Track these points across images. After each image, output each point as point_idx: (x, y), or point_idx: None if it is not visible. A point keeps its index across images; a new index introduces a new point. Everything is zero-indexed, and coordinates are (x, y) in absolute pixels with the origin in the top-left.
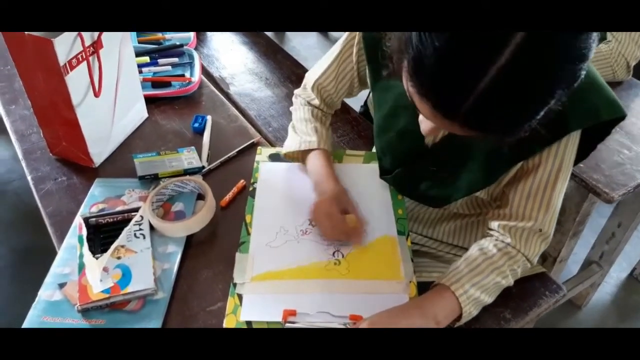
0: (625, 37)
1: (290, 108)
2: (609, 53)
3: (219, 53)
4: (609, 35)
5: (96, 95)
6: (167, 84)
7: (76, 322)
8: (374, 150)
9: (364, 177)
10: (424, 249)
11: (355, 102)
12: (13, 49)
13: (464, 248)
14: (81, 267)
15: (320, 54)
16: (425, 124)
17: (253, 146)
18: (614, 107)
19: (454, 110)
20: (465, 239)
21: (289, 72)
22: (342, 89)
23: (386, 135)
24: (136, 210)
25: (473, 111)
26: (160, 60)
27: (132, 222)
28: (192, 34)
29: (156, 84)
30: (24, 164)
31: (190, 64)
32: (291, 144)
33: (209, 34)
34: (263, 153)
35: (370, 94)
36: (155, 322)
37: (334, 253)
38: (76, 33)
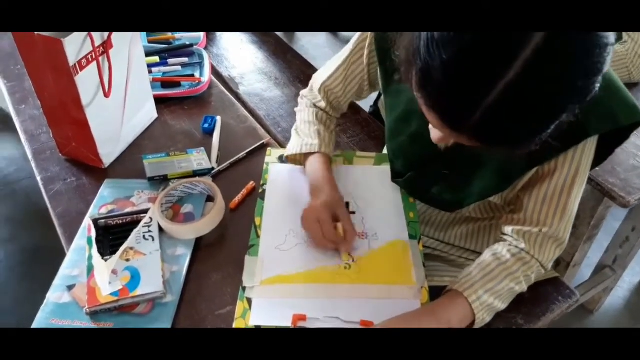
0: None
1: (295, 109)
2: (625, 54)
3: (228, 52)
4: (625, 35)
5: (106, 95)
6: (177, 84)
7: (84, 324)
8: (384, 151)
9: (375, 180)
10: (435, 253)
11: (365, 103)
12: (23, 49)
13: (476, 252)
14: (90, 269)
15: (330, 53)
16: (434, 132)
17: (263, 147)
18: (633, 112)
19: (461, 124)
20: (477, 243)
21: (299, 72)
22: (350, 91)
23: (398, 139)
24: (145, 211)
25: (481, 125)
26: (170, 60)
27: (141, 224)
28: (201, 34)
29: (166, 84)
30: (33, 164)
31: (200, 64)
32: (293, 146)
33: (218, 33)
34: (273, 154)
35: (382, 96)
36: (164, 326)
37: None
38: (86, 33)
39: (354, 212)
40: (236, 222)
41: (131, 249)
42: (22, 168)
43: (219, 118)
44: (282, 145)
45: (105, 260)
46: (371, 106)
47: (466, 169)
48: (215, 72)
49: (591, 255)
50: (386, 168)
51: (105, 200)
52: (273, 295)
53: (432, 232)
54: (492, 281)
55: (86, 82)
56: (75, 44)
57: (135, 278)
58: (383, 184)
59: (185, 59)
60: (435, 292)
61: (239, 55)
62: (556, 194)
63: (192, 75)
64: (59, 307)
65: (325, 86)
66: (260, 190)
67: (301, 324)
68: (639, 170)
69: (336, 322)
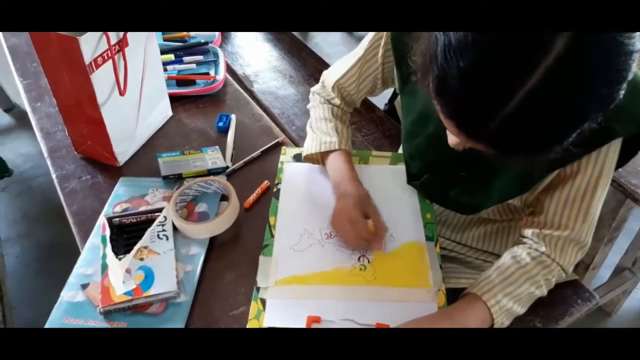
0: None
1: (308, 106)
2: None
3: (243, 50)
4: None
5: (121, 93)
6: (192, 82)
7: (98, 324)
8: (400, 151)
9: (391, 180)
10: (452, 254)
11: (380, 101)
12: (39, 47)
13: (494, 254)
14: (104, 268)
15: (344, 50)
16: (451, 136)
17: (277, 146)
18: None
19: (478, 133)
20: (495, 244)
21: (313, 70)
22: (363, 89)
23: (415, 141)
24: (160, 210)
25: (498, 135)
26: (185, 58)
27: (156, 222)
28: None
29: (181, 82)
30: (49, 162)
31: (215, 62)
32: (310, 144)
33: None
34: (287, 153)
35: (398, 96)
36: (178, 326)
37: (359, 258)
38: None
39: None
40: (250, 221)
41: (145, 248)
42: (38, 165)
43: (233, 116)
44: (297, 144)
45: (119, 259)
46: (386, 104)
47: (485, 171)
48: (229, 70)
49: (610, 257)
50: (402, 168)
51: (119, 199)
52: (287, 296)
53: (448, 233)
54: (511, 285)
55: (102, 80)
56: (91, 42)
57: (149, 277)
58: (399, 184)
59: (200, 57)
60: (452, 295)
61: (253, 53)
62: (579, 197)
63: (207, 74)
64: (73, 306)
65: (339, 84)
66: (275, 190)
67: (315, 326)
68: None
69: (351, 325)
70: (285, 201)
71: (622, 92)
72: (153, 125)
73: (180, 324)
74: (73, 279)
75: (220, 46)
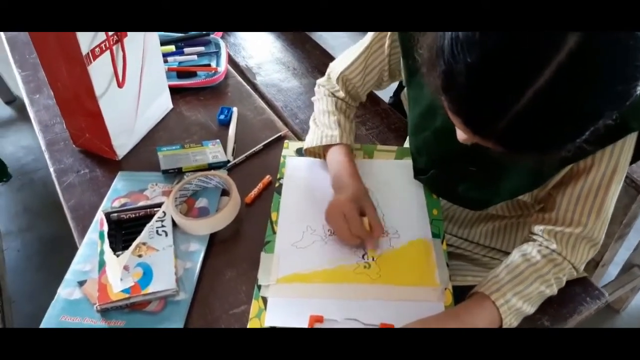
0: None
1: (312, 98)
2: None
3: (245, 42)
4: None
5: (120, 85)
6: (193, 74)
7: (95, 322)
8: (406, 144)
9: (397, 174)
10: (458, 251)
11: (385, 93)
12: (35, 38)
13: (502, 251)
14: (101, 264)
15: (349, 42)
16: (460, 132)
17: (280, 140)
18: None
19: (486, 131)
20: (503, 241)
21: (317, 62)
22: (369, 81)
23: (422, 134)
24: (159, 205)
25: (507, 133)
26: (186, 50)
27: (155, 218)
28: None
29: (181, 74)
30: (46, 156)
31: (217, 54)
32: (312, 138)
33: None
34: (290, 147)
35: (405, 89)
36: (177, 325)
37: (363, 256)
38: None
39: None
40: (252, 217)
41: (144, 244)
42: (39, 158)
43: (235, 109)
44: (300, 137)
45: (117, 256)
46: (391, 97)
47: (495, 166)
48: (232, 61)
49: (619, 254)
50: (408, 162)
51: (118, 193)
52: (289, 295)
53: (455, 230)
54: (521, 284)
55: (99, 71)
56: (88, 33)
57: (147, 275)
58: (405, 179)
59: (201, 48)
60: (458, 292)
61: (256, 45)
62: (592, 192)
63: (209, 65)
64: (70, 303)
65: (344, 76)
66: (277, 185)
67: (318, 326)
68: None
69: (354, 325)
70: (287, 196)
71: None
72: (153, 118)
73: (179, 323)
74: (70, 276)
75: (223, 37)
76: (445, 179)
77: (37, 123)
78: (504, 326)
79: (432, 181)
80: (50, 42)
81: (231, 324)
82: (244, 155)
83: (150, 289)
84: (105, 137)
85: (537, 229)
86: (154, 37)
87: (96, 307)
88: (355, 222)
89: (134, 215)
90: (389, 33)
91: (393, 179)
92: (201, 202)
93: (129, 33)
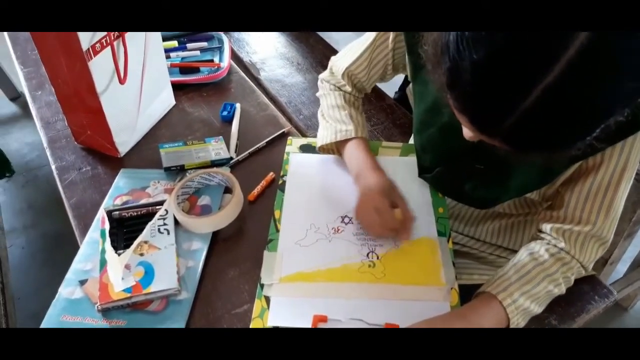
0: None
1: (317, 94)
2: None
3: (249, 37)
4: None
5: (121, 82)
6: (196, 70)
7: (96, 322)
8: (411, 141)
9: (401, 172)
10: (464, 249)
11: (390, 88)
12: (35, 34)
13: (508, 249)
14: (103, 263)
15: (353, 36)
16: (466, 129)
17: (283, 136)
18: None
19: (492, 129)
20: (510, 239)
21: (322, 57)
22: (374, 75)
23: (427, 131)
24: (161, 203)
25: (514, 131)
26: (189, 45)
27: (157, 216)
28: None
29: (184, 69)
30: (48, 153)
31: (220, 49)
32: (325, 134)
33: None
34: (294, 144)
35: (410, 84)
36: (178, 325)
37: (368, 254)
38: None
39: None
40: (255, 215)
41: (145, 242)
42: (43, 154)
43: (238, 105)
44: (304, 133)
45: (119, 255)
46: (396, 92)
47: (503, 163)
48: (236, 57)
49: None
50: (413, 159)
51: (120, 191)
52: (292, 294)
53: (461, 227)
54: (528, 283)
55: (100, 68)
56: None
57: (149, 274)
58: (410, 176)
59: (204, 44)
60: (464, 291)
61: (260, 40)
62: (601, 190)
63: (212, 61)
64: (71, 303)
65: (349, 71)
66: (280, 182)
67: (322, 326)
68: None
69: (359, 325)
70: (290, 194)
71: None
72: (155, 115)
73: (181, 323)
74: (71, 275)
75: (226, 33)
76: (451, 177)
77: (38, 120)
78: (511, 326)
79: (437, 179)
80: (50, 38)
81: (233, 323)
82: (247, 152)
83: (152, 288)
84: (106, 134)
85: (545, 227)
86: (155, 32)
87: (97, 307)
88: (389, 215)
89: (135, 213)
90: None
91: (398, 176)
92: (204, 200)
93: None
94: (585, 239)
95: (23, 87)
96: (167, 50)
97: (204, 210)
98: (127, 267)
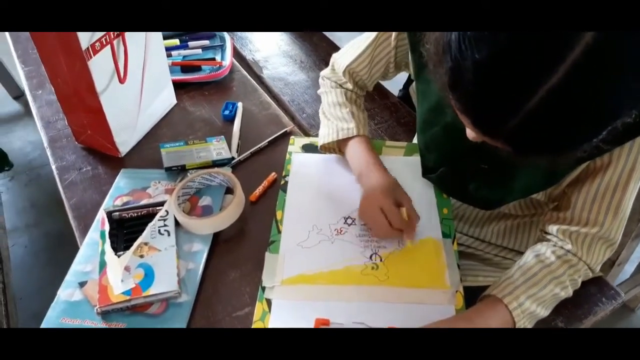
0: None
1: (319, 91)
2: None
3: (252, 35)
4: None
5: (121, 81)
6: (197, 69)
7: (95, 324)
8: (415, 140)
9: (405, 172)
10: (469, 251)
11: (394, 86)
12: (34, 32)
13: (514, 250)
14: (102, 265)
15: (356, 34)
16: (469, 130)
17: (285, 136)
18: None
19: (495, 131)
20: (516, 240)
21: (325, 55)
22: (375, 73)
23: (431, 131)
24: (161, 204)
25: (518, 134)
26: (191, 43)
27: (157, 217)
28: None
29: (186, 68)
30: (49, 153)
31: (222, 47)
32: (326, 133)
33: None
34: (296, 143)
35: (414, 82)
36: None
37: (371, 256)
38: None
39: None
40: (256, 216)
41: (145, 244)
42: (46, 153)
43: (240, 104)
44: (307, 132)
45: (118, 256)
46: (400, 90)
47: (507, 163)
48: (238, 55)
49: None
50: (417, 159)
51: (120, 191)
52: (294, 297)
53: (466, 228)
54: (535, 286)
55: (100, 67)
56: None
57: (148, 276)
58: (414, 176)
59: (206, 42)
60: (469, 293)
61: (263, 38)
62: (609, 191)
63: (213, 59)
64: (70, 305)
65: (350, 69)
66: (282, 182)
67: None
68: None
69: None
70: (292, 194)
71: None
72: (156, 114)
73: (181, 326)
74: (70, 277)
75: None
76: (456, 177)
77: (39, 119)
78: None
79: (441, 180)
80: (49, 37)
81: (234, 327)
82: (248, 152)
83: (152, 290)
84: (107, 134)
85: (552, 228)
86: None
87: (96, 310)
88: (395, 215)
89: (135, 214)
90: None
91: (402, 176)
92: (205, 201)
93: None
94: (593, 241)
95: (24, 86)
96: (169, 49)
97: (205, 211)
98: (126, 269)
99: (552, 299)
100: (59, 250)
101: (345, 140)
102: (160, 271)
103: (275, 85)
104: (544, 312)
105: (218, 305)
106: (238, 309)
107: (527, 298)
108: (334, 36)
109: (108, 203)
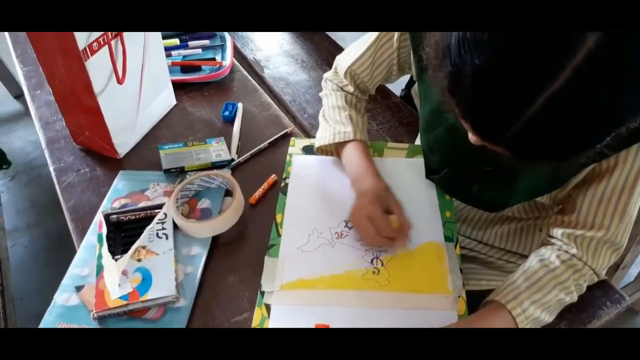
0: None
1: (320, 94)
2: None
3: (253, 34)
4: None
5: (119, 82)
6: (197, 69)
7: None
8: (418, 141)
9: (407, 174)
10: (472, 254)
11: (396, 86)
12: (32, 32)
13: (518, 254)
14: (99, 269)
15: (359, 34)
16: (471, 134)
17: (286, 137)
18: None
19: (495, 137)
20: (520, 244)
21: (327, 54)
22: (377, 76)
23: (434, 132)
24: (160, 207)
25: (519, 140)
26: (191, 43)
27: (155, 220)
28: None
29: (185, 68)
30: (47, 154)
31: (222, 47)
32: (324, 135)
33: None
34: (297, 145)
35: (416, 84)
36: None
37: (372, 260)
38: None
39: None
40: (256, 219)
41: (143, 247)
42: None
43: (240, 105)
44: (308, 133)
45: (116, 260)
46: (402, 90)
47: (511, 166)
48: (240, 54)
49: None
50: (419, 161)
51: (119, 194)
52: (294, 302)
53: (469, 231)
54: (539, 291)
55: (98, 67)
56: None
57: (146, 280)
58: (416, 178)
59: (206, 42)
60: (472, 298)
61: (264, 37)
62: (615, 194)
63: (214, 59)
64: (67, 310)
65: (351, 70)
66: (282, 185)
67: None
68: None
69: None
70: (293, 197)
71: None
72: (155, 115)
73: None
74: (67, 280)
75: None
76: (459, 178)
77: (37, 120)
78: None
79: (445, 181)
80: (46, 37)
81: None
82: (248, 154)
83: (149, 295)
84: (105, 135)
85: (556, 232)
86: None
87: (93, 315)
88: (381, 223)
89: (133, 217)
90: None
91: (404, 178)
92: (204, 203)
93: None
94: (598, 245)
95: (22, 86)
96: (168, 49)
97: (203, 214)
98: (124, 273)
99: (556, 304)
100: (59, 250)
101: (342, 144)
102: (158, 275)
103: (277, 85)
104: (548, 317)
105: (217, 310)
106: (237, 314)
107: (531, 304)
108: (336, 36)
109: (106, 205)
